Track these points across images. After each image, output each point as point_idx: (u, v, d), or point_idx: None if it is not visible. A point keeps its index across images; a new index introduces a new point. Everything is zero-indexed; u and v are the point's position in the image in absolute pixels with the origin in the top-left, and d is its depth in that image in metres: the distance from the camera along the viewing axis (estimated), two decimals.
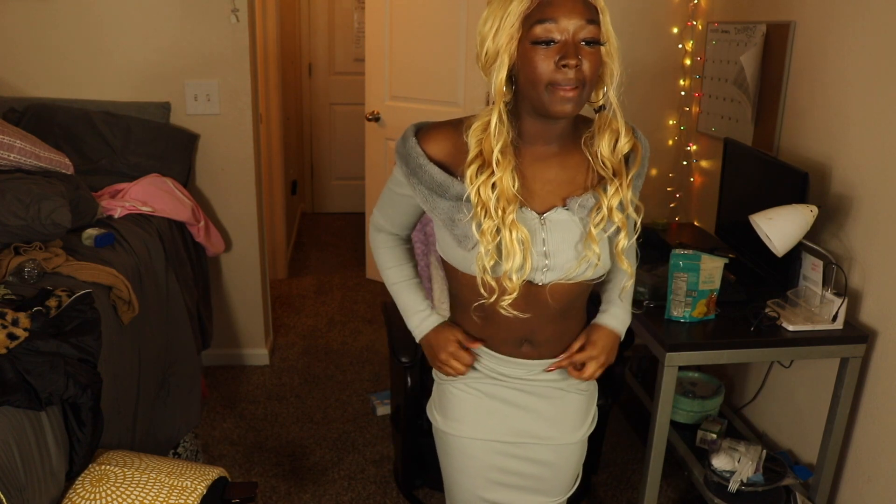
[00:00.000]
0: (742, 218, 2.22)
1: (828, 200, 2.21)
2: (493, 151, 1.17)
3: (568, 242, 1.23)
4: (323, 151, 5.74)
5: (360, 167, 4.37)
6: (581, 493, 2.50)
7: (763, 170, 2.38)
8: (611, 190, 1.22)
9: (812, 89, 2.33)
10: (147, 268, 2.30)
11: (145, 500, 1.48)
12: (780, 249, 2.05)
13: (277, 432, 2.83)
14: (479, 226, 1.19)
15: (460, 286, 1.32)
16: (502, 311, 1.23)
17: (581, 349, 1.36)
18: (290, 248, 4.70)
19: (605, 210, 1.22)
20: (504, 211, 1.18)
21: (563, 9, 1.09)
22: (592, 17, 1.11)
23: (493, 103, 1.17)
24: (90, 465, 1.55)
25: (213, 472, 1.62)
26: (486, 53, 1.16)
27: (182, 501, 1.51)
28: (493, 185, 1.17)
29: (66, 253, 2.02)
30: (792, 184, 2.14)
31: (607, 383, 2.30)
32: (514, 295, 1.21)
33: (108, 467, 1.54)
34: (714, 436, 2.35)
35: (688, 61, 3.12)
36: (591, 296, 1.41)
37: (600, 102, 1.20)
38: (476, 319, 1.31)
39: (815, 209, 2.05)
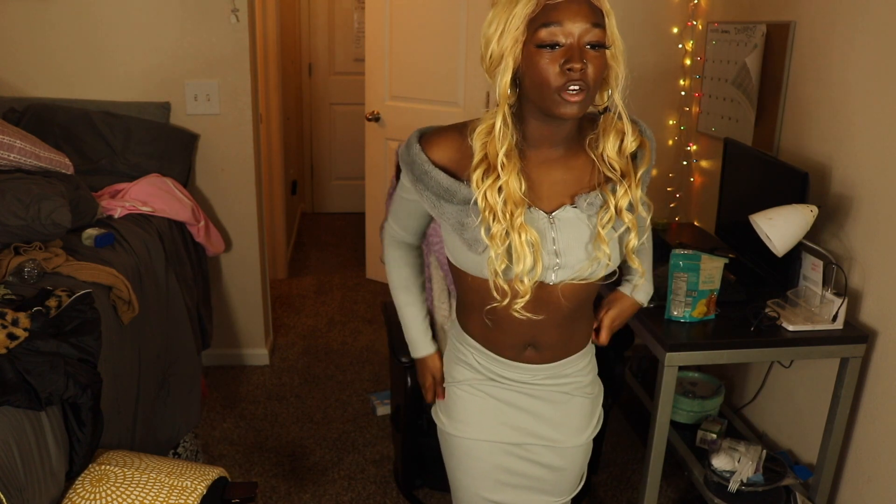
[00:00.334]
0: (742, 218, 2.22)
1: (828, 200, 2.21)
2: (497, 155, 1.17)
3: (578, 241, 1.23)
4: (323, 151, 5.74)
5: (360, 167, 4.37)
6: (581, 493, 2.50)
7: (763, 170, 2.38)
8: (620, 191, 1.22)
9: (812, 89, 2.33)
10: (147, 268, 2.30)
11: (145, 500, 1.48)
12: (780, 249, 2.05)
13: (277, 432, 2.83)
14: (488, 230, 1.19)
15: (469, 290, 1.31)
16: (515, 314, 1.23)
17: (601, 323, 1.44)
18: (290, 248, 4.70)
19: (612, 210, 1.22)
20: (512, 214, 1.17)
21: (569, 12, 1.09)
22: (598, 21, 1.11)
23: (497, 106, 1.17)
24: (90, 465, 1.55)
25: (213, 472, 1.62)
26: (491, 56, 1.16)
27: (182, 501, 1.51)
28: (500, 189, 1.17)
29: (66, 253, 2.02)
30: (792, 184, 2.14)
31: (607, 383, 2.30)
32: (527, 297, 1.21)
33: (108, 467, 1.54)
34: (714, 436, 2.35)
35: (688, 61, 3.12)
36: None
37: (605, 104, 1.20)
38: (487, 322, 1.31)
39: (815, 209, 2.05)
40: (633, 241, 1.25)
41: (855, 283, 2.12)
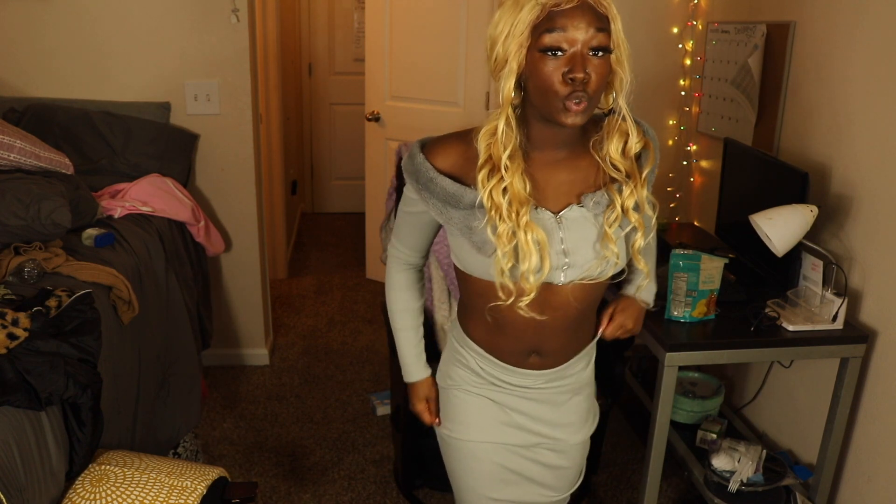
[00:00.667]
0: (742, 218, 2.22)
1: (828, 200, 2.21)
2: (501, 156, 1.17)
3: (586, 240, 1.23)
4: (323, 151, 5.74)
5: (360, 167, 4.37)
6: (581, 493, 2.50)
7: (763, 170, 2.38)
8: (626, 191, 1.22)
9: (812, 89, 2.33)
10: (147, 268, 2.30)
11: (145, 500, 1.48)
12: (780, 249, 2.05)
13: (277, 432, 2.83)
14: (494, 229, 1.19)
15: (474, 294, 1.31)
16: (520, 312, 1.23)
17: (611, 318, 1.41)
18: (290, 248, 4.70)
19: (618, 210, 1.22)
20: (518, 213, 1.17)
21: (573, 19, 1.09)
22: (601, 26, 1.10)
23: (501, 108, 1.18)
24: (90, 465, 1.55)
25: (213, 472, 1.62)
26: (496, 58, 1.16)
27: (182, 501, 1.51)
28: (505, 190, 1.18)
29: (66, 253, 2.02)
30: (792, 184, 2.14)
31: (607, 383, 2.31)
32: (532, 296, 1.20)
33: (108, 467, 1.54)
34: (714, 436, 2.35)
35: (688, 61, 3.12)
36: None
37: (610, 107, 1.20)
38: (489, 320, 1.30)
39: (815, 209, 2.05)
40: (639, 240, 1.25)
41: (855, 283, 2.12)
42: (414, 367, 1.50)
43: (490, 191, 1.18)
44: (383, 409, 2.96)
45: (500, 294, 1.22)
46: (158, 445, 2.26)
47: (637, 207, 1.23)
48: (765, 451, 2.20)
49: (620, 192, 1.22)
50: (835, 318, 2.03)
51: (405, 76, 3.88)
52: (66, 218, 1.99)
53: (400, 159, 2.47)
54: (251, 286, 3.25)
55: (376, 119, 4.05)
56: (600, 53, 1.11)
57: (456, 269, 1.33)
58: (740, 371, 2.73)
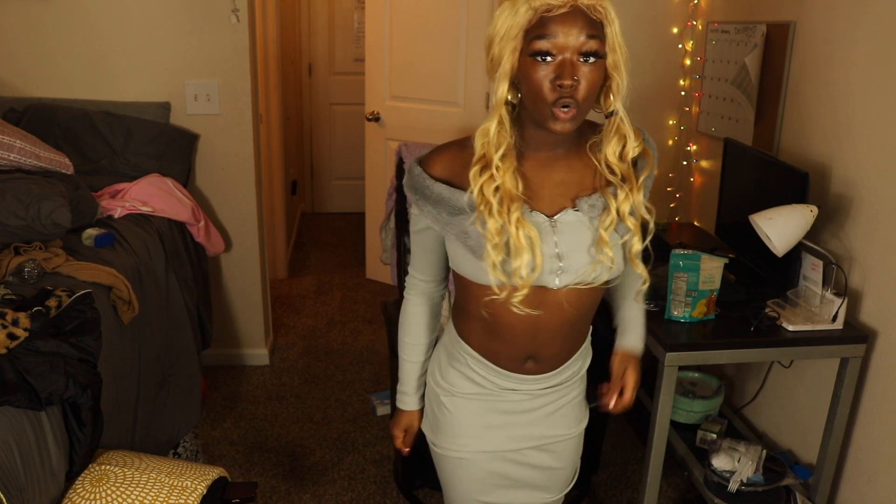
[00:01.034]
0: (742, 218, 2.22)
1: (828, 200, 2.21)
2: (493, 156, 1.18)
3: (581, 244, 1.22)
4: (323, 151, 5.74)
5: (360, 167, 4.37)
6: (581, 493, 2.50)
7: (763, 170, 2.38)
8: (621, 195, 1.21)
9: (812, 89, 2.33)
10: (147, 268, 2.30)
11: (145, 500, 1.48)
12: (780, 249, 2.05)
13: (277, 432, 2.83)
14: (483, 224, 1.19)
15: (471, 299, 1.30)
16: (514, 310, 1.22)
17: (622, 392, 1.42)
18: (290, 248, 4.70)
19: (614, 214, 1.21)
20: (509, 210, 1.17)
21: (563, 25, 1.09)
22: (593, 32, 1.10)
23: (494, 109, 1.18)
24: (90, 465, 1.55)
25: (213, 472, 1.62)
26: (492, 59, 1.17)
27: (182, 501, 1.51)
28: (497, 189, 1.18)
29: (66, 253, 2.02)
30: (792, 184, 2.14)
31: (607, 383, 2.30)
32: (525, 292, 1.20)
33: (108, 467, 1.54)
34: (714, 436, 2.35)
35: (688, 61, 3.12)
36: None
37: (609, 110, 1.19)
38: (485, 316, 1.29)
39: (815, 209, 2.05)
40: (636, 245, 1.24)
41: (855, 283, 2.12)
42: (409, 398, 1.50)
43: (481, 187, 1.18)
44: (383, 409, 2.96)
45: (494, 289, 1.21)
46: (158, 445, 2.26)
47: (633, 212, 1.22)
48: (765, 451, 2.20)
49: (616, 195, 1.22)
50: (835, 318, 2.03)
51: (405, 76, 3.88)
52: (66, 218, 1.99)
53: (400, 159, 2.47)
54: (251, 286, 3.25)
55: (376, 119, 4.05)
56: (591, 59, 1.10)
57: (455, 274, 1.33)
58: (740, 371, 2.73)
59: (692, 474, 2.28)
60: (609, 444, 2.74)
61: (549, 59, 1.10)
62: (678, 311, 2.07)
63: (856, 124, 2.11)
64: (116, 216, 2.41)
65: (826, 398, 2.13)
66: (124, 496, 1.48)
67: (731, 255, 2.42)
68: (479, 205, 1.18)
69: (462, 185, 1.22)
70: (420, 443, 2.28)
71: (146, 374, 2.16)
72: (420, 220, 1.31)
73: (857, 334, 2.03)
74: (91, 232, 2.18)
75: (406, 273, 1.48)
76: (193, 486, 1.55)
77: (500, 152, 1.17)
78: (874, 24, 2.04)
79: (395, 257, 2.63)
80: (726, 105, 2.82)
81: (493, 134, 1.18)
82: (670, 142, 3.25)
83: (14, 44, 2.84)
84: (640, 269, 1.26)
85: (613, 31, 1.12)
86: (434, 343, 1.49)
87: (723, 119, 2.86)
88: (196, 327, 2.71)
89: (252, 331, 3.33)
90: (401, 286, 1.58)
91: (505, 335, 1.29)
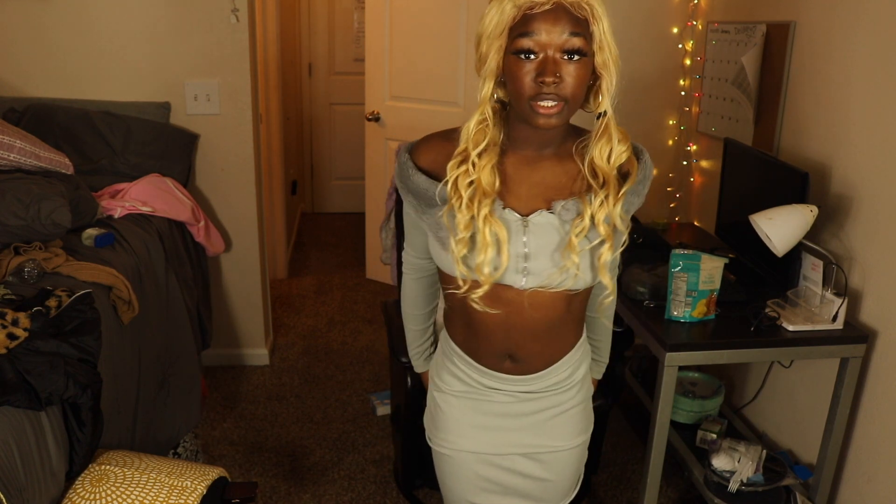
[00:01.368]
0: (742, 218, 2.22)
1: (828, 200, 2.21)
2: (472, 152, 1.18)
3: (549, 247, 1.21)
4: (323, 151, 5.74)
5: (360, 167, 4.37)
6: (581, 493, 2.50)
7: (763, 170, 2.38)
8: (596, 201, 1.18)
9: (812, 89, 2.33)
10: (147, 268, 2.30)
11: (145, 500, 1.48)
12: (780, 249, 2.05)
13: (277, 432, 2.83)
14: (452, 216, 1.19)
15: (450, 295, 1.30)
16: (474, 305, 1.22)
17: None
18: (290, 248, 4.70)
19: (587, 220, 1.18)
20: (479, 204, 1.17)
21: (545, 22, 1.08)
22: (577, 30, 1.08)
23: (479, 106, 1.19)
24: (90, 465, 1.55)
25: (213, 472, 1.62)
26: (480, 56, 1.16)
27: (182, 501, 1.51)
28: (471, 183, 1.18)
29: (66, 253, 2.02)
30: (792, 184, 2.14)
31: (607, 383, 2.30)
32: (486, 288, 1.19)
33: (108, 467, 1.54)
34: (714, 436, 2.35)
35: (688, 61, 3.12)
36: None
37: (600, 110, 1.18)
38: (462, 315, 1.29)
39: (815, 209, 2.05)
40: (605, 254, 1.20)
41: (855, 283, 2.12)
42: (417, 361, 1.59)
43: (455, 179, 1.18)
44: (383, 409, 2.96)
45: (459, 281, 1.21)
46: (158, 445, 2.26)
47: (608, 220, 1.19)
48: (765, 451, 2.20)
49: (592, 201, 1.19)
50: (835, 318, 2.03)
51: (405, 76, 3.88)
52: (66, 218, 1.99)
53: None
54: (251, 286, 3.25)
55: (376, 119, 4.05)
56: (575, 57, 1.09)
57: (438, 270, 1.33)
58: (740, 371, 2.73)
59: (692, 474, 2.28)
60: (609, 444, 2.74)
61: (532, 56, 1.09)
62: (678, 311, 2.07)
63: (855, 124, 2.11)
64: (116, 216, 2.41)
65: (826, 398, 2.13)
66: (124, 496, 1.48)
67: (731, 255, 2.42)
68: (451, 197, 1.19)
69: (443, 177, 1.22)
70: (420, 443, 2.29)
71: (146, 374, 2.16)
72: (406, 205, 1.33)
73: (857, 334, 2.03)
74: (91, 232, 2.18)
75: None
76: (193, 486, 1.55)
77: (479, 149, 1.17)
78: (874, 23, 2.04)
79: (395, 257, 2.63)
80: (726, 105, 2.82)
81: (471, 130, 1.18)
82: (670, 142, 3.25)
83: (14, 43, 2.84)
84: (607, 280, 1.22)
85: (601, 28, 1.10)
86: (433, 312, 1.54)
87: (723, 119, 2.86)
88: (196, 327, 2.71)
89: (252, 331, 3.33)
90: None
91: (480, 331, 1.29)
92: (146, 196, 2.59)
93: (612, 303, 1.34)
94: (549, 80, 1.08)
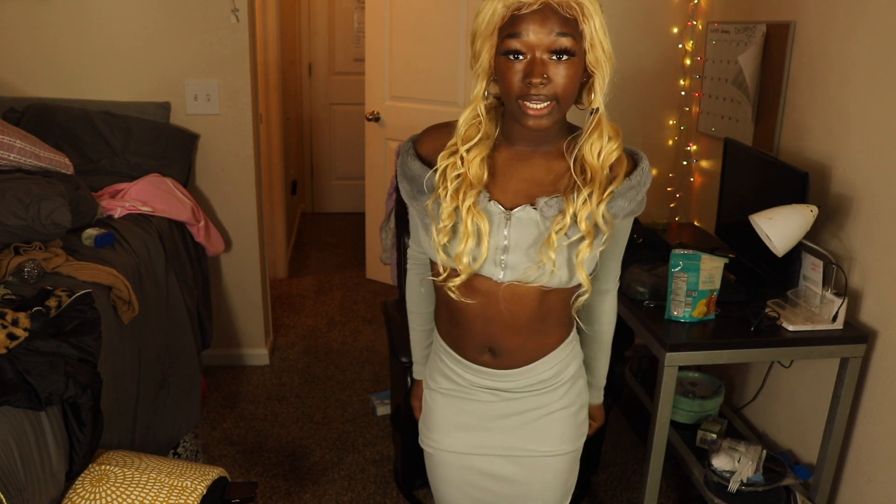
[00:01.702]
0: (742, 218, 2.22)
1: (828, 200, 2.21)
2: (461, 147, 1.19)
3: (527, 242, 1.21)
4: (323, 151, 5.74)
5: (360, 167, 4.37)
6: (581, 493, 2.50)
7: (763, 170, 2.38)
8: (580, 199, 1.17)
9: (812, 89, 2.33)
10: (147, 268, 2.30)
11: (145, 500, 1.48)
12: (780, 249, 2.05)
13: (277, 432, 2.83)
14: (437, 204, 1.20)
15: (437, 286, 1.31)
16: (450, 294, 1.23)
17: None
18: (290, 248, 4.70)
19: (568, 218, 1.17)
20: (465, 195, 1.18)
21: (532, 23, 1.08)
22: (565, 30, 1.08)
23: (471, 103, 1.20)
24: (90, 465, 1.55)
25: (213, 472, 1.62)
26: (473, 54, 1.18)
27: (182, 501, 1.51)
28: (459, 175, 1.19)
29: (66, 253, 2.02)
30: (792, 184, 2.14)
31: (607, 383, 2.30)
32: (463, 278, 1.20)
33: (108, 467, 1.54)
34: (714, 436, 2.35)
35: (688, 61, 3.12)
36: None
37: (592, 107, 1.17)
38: (446, 304, 1.30)
39: (815, 209, 2.05)
40: (583, 251, 1.19)
41: (855, 283, 2.12)
42: (419, 366, 1.56)
43: (444, 169, 1.19)
44: (383, 409, 2.96)
45: (440, 268, 1.23)
46: (158, 445, 2.26)
47: (590, 217, 1.18)
48: (765, 451, 2.20)
49: (576, 199, 1.18)
50: (835, 318, 2.03)
51: (405, 76, 3.88)
52: (66, 218, 1.99)
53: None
54: (251, 286, 3.25)
55: (376, 119, 4.05)
56: (564, 57, 1.09)
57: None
58: (740, 371, 2.73)
59: (692, 474, 2.28)
60: (609, 444, 2.74)
61: (520, 57, 1.10)
62: (678, 311, 2.07)
63: (855, 124, 2.11)
64: (116, 216, 2.41)
65: (826, 398, 2.13)
66: (124, 496, 1.48)
67: (731, 255, 2.42)
68: (438, 186, 1.20)
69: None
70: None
71: (146, 374, 2.16)
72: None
73: (857, 334, 2.03)
74: (91, 232, 2.18)
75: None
76: (193, 486, 1.55)
77: (469, 144, 1.19)
78: (874, 23, 2.04)
79: (395, 257, 2.63)
80: (726, 105, 2.82)
81: (461, 126, 1.19)
82: (670, 142, 3.25)
83: (14, 43, 2.84)
84: (583, 278, 1.21)
85: (592, 27, 1.10)
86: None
87: (723, 119, 2.86)
88: (196, 327, 2.71)
89: (252, 331, 3.33)
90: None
91: (461, 321, 1.29)
92: (146, 196, 2.59)
93: (584, 301, 1.29)
94: (536, 80, 1.09)
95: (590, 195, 1.17)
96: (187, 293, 2.61)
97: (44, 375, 1.46)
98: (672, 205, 3.27)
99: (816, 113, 2.31)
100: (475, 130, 1.19)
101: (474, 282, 1.23)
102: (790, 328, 2.04)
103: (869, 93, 2.06)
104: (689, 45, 3.09)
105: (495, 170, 1.22)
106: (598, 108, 1.16)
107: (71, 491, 1.49)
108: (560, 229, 1.18)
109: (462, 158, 1.19)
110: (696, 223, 3.12)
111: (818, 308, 2.09)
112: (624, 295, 2.23)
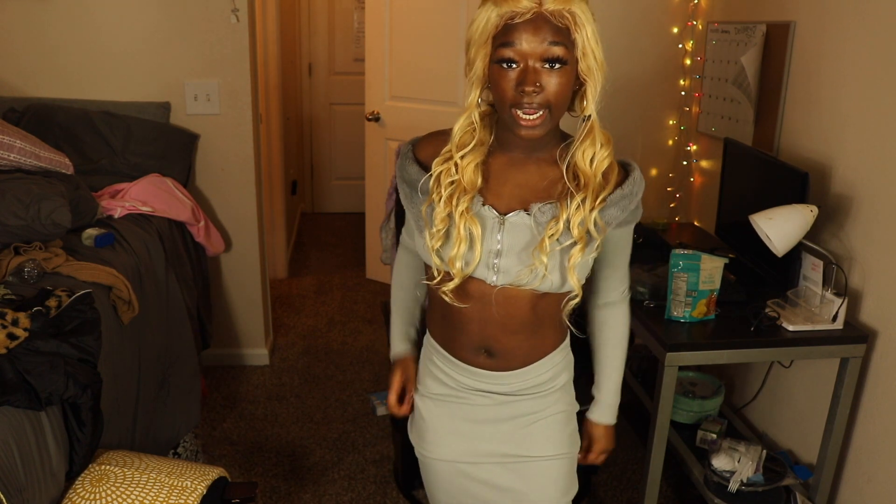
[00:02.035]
0: (742, 218, 2.22)
1: (828, 200, 2.21)
2: (455, 154, 1.20)
3: (520, 246, 1.21)
4: (323, 151, 5.74)
5: (360, 167, 4.37)
6: (581, 493, 2.50)
7: (763, 170, 2.38)
8: (573, 205, 1.18)
9: (812, 89, 2.33)
10: (147, 268, 2.30)
11: (145, 500, 1.48)
12: (780, 249, 2.05)
13: (277, 432, 2.83)
14: (431, 209, 1.21)
15: (430, 288, 1.32)
16: (444, 297, 1.23)
17: (588, 450, 1.49)
18: (290, 248, 4.70)
19: (561, 223, 1.18)
20: (458, 200, 1.19)
21: (525, 32, 1.09)
22: (557, 39, 1.09)
23: (466, 111, 1.21)
24: (90, 465, 1.55)
25: (213, 472, 1.62)
26: (468, 61, 1.18)
27: (182, 501, 1.51)
28: (453, 181, 1.20)
29: (66, 253, 2.02)
30: (792, 184, 2.14)
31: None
32: (457, 282, 1.21)
33: (108, 467, 1.54)
34: (714, 436, 2.35)
35: (688, 61, 3.12)
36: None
37: (585, 114, 1.18)
38: (441, 305, 1.29)
39: (815, 209, 2.05)
40: (575, 256, 1.20)
41: (855, 283, 2.12)
42: (395, 340, 1.51)
43: (439, 174, 1.21)
44: (383, 409, 2.96)
45: (434, 271, 1.23)
46: (158, 445, 2.26)
47: (582, 223, 1.19)
48: (765, 451, 2.20)
49: (569, 205, 1.19)
50: (835, 318, 2.03)
51: (405, 76, 3.88)
52: (66, 218, 1.99)
53: None
54: (251, 286, 3.25)
55: (376, 119, 4.05)
56: (557, 66, 1.10)
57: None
58: (740, 371, 2.73)
59: (692, 474, 2.28)
60: None
61: (513, 65, 1.11)
62: (678, 311, 2.08)
63: (855, 124, 2.11)
64: (116, 216, 2.41)
65: (826, 398, 2.13)
66: (124, 496, 1.48)
67: (731, 255, 2.42)
68: (432, 192, 1.21)
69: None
70: None
71: (146, 374, 2.16)
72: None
73: (857, 334, 2.03)
74: (91, 232, 2.18)
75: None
76: (193, 486, 1.55)
77: (463, 151, 1.20)
78: (874, 24, 2.04)
79: (394, 257, 2.63)
80: (726, 105, 2.82)
81: (456, 133, 1.21)
82: (670, 142, 3.25)
83: (14, 43, 2.84)
84: (574, 282, 1.22)
85: (584, 36, 1.11)
86: (424, 295, 1.52)
87: (723, 119, 2.86)
88: (196, 327, 2.71)
89: (252, 331, 3.33)
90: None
91: (456, 323, 1.29)
92: (146, 196, 2.59)
93: (575, 305, 1.29)
94: (528, 89, 1.10)
95: (583, 201, 1.18)
96: (187, 293, 2.61)
97: (44, 375, 1.46)
98: (672, 205, 3.27)
99: (816, 113, 2.31)
100: (470, 137, 1.21)
101: (468, 285, 1.24)
102: (790, 328, 2.04)
103: (869, 93, 2.06)
104: (689, 45, 3.09)
105: (490, 175, 1.23)
106: (590, 116, 1.17)
107: (71, 491, 1.49)
108: (553, 234, 1.19)
109: (456, 165, 1.20)
110: (696, 223, 3.13)
111: (818, 308, 2.09)
112: None
